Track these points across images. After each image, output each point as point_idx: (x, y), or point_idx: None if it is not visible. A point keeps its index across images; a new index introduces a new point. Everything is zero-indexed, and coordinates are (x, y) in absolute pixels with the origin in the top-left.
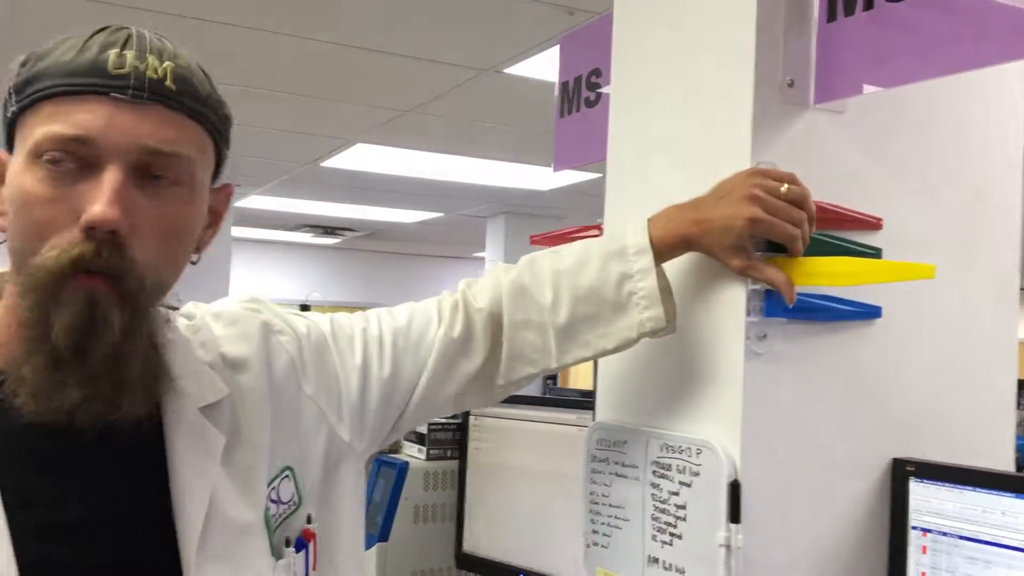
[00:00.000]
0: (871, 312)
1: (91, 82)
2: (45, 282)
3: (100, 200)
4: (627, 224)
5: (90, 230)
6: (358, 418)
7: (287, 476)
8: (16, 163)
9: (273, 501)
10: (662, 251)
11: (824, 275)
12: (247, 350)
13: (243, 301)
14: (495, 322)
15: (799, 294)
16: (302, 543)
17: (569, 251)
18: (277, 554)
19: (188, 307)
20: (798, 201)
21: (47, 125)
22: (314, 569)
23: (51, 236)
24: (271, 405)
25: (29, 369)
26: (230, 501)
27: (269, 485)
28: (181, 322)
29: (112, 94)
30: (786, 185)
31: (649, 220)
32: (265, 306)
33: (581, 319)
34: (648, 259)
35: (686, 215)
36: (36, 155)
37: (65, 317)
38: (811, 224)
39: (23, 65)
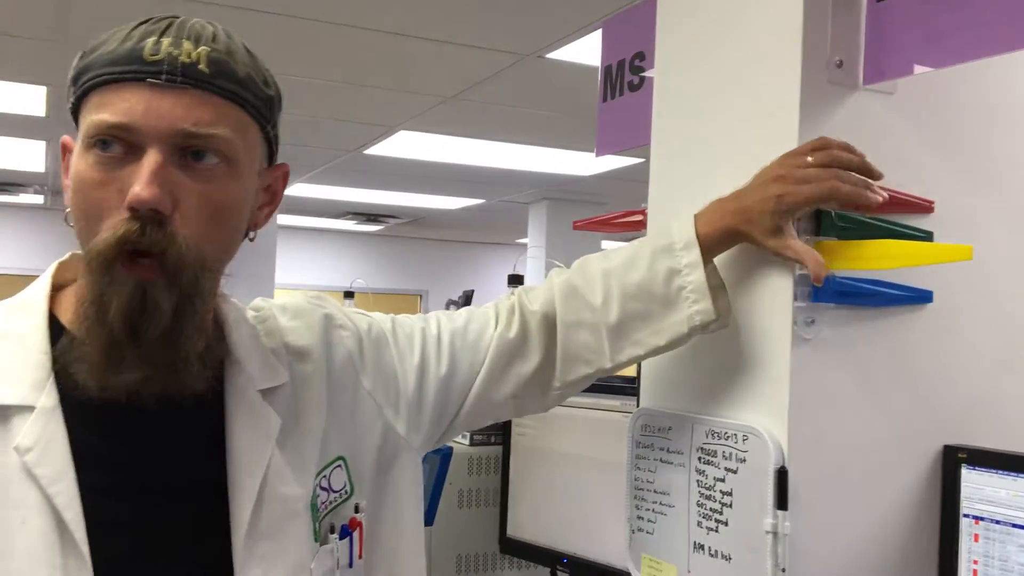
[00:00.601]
0: (922, 297)
1: (129, 69)
2: (99, 263)
3: (140, 181)
4: (672, 220)
5: (134, 209)
6: (415, 414)
7: (339, 465)
8: (75, 150)
9: (323, 488)
10: (709, 245)
11: (862, 258)
12: (309, 341)
13: (309, 297)
14: (549, 324)
15: (848, 279)
16: (346, 531)
17: (618, 251)
18: (321, 539)
19: (257, 301)
20: (824, 163)
21: (95, 113)
22: (360, 557)
23: (105, 217)
24: (328, 395)
25: (89, 349)
26: (282, 482)
27: (320, 473)
28: (249, 313)
29: (148, 80)
30: (809, 156)
31: (695, 215)
32: (330, 302)
33: (632, 317)
34: (695, 253)
35: (728, 206)
36: (88, 142)
37: (118, 301)
38: (864, 173)
39: (80, 58)
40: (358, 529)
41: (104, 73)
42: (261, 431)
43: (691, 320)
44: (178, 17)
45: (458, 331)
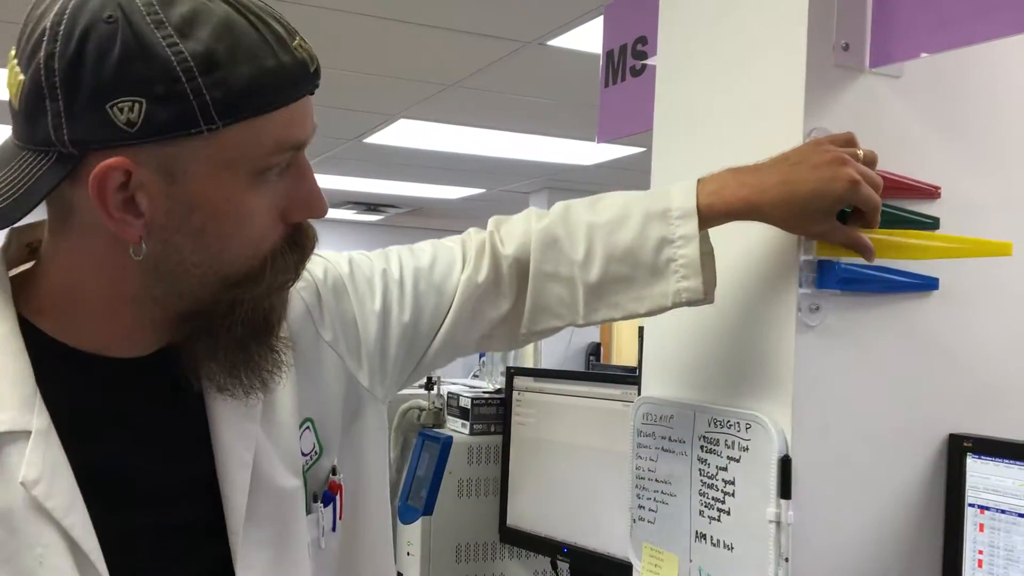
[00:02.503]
0: (928, 284)
1: (306, 85)
2: (287, 281)
3: (318, 195)
4: (675, 183)
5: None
6: (378, 364)
7: (307, 428)
8: (224, 184)
9: None
10: (709, 217)
11: (896, 248)
12: None
13: None
14: (521, 270)
15: (853, 265)
16: (329, 497)
17: (608, 205)
18: (307, 510)
19: None
20: (872, 165)
21: (274, 138)
22: (340, 518)
23: (265, 243)
24: (294, 357)
25: (226, 352)
26: (271, 464)
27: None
28: None
29: (312, 89)
30: (860, 150)
31: (699, 181)
32: None
33: (613, 279)
34: (692, 225)
35: (747, 180)
36: (260, 171)
37: (280, 310)
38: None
39: (205, 73)
40: (339, 492)
41: (289, 96)
42: (243, 414)
43: (677, 295)
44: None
45: (422, 271)
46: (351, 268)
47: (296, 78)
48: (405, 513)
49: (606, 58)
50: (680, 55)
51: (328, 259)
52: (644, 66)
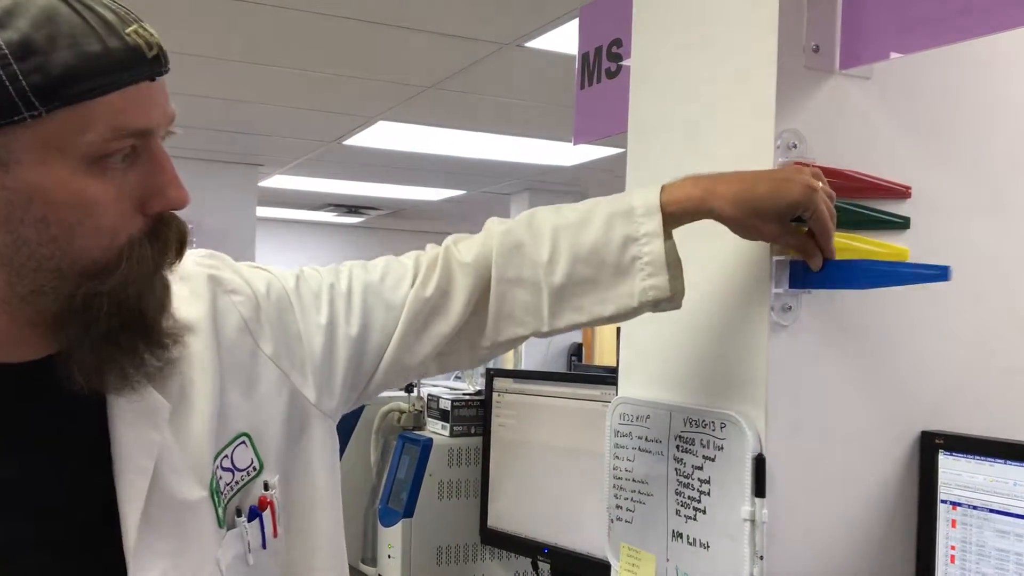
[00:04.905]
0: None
1: (141, 71)
2: (153, 268)
3: (176, 184)
4: (639, 187)
5: (158, 213)
6: (325, 378)
7: (243, 442)
8: (56, 171)
9: (226, 469)
10: (674, 214)
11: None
12: (196, 311)
13: (199, 256)
14: (482, 279)
15: (826, 262)
16: (255, 512)
17: (572, 208)
18: (228, 524)
19: None
20: (831, 198)
21: (107, 124)
22: (275, 536)
23: (122, 234)
24: (221, 369)
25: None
26: (174, 472)
27: (220, 454)
28: None
29: (155, 77)
30: (823, 184)
31: (663, 185)
32: (223, 262)
33: (578, 281)
34: (656, 222)
35: (705, 180)
36: (96, 158)
37: (154, 298)
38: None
39: (21, 59)
40: (269, 508)
41: (117, 81)
42: (148, 420)
43: (643, 294)
44: None
45: (372, 285)
46: (297, 283)
47: (126, 63)
48: (385, 515)
49: (581, 60)
50: (653, 57)
51: (274, 273)
52: (619, 68)
